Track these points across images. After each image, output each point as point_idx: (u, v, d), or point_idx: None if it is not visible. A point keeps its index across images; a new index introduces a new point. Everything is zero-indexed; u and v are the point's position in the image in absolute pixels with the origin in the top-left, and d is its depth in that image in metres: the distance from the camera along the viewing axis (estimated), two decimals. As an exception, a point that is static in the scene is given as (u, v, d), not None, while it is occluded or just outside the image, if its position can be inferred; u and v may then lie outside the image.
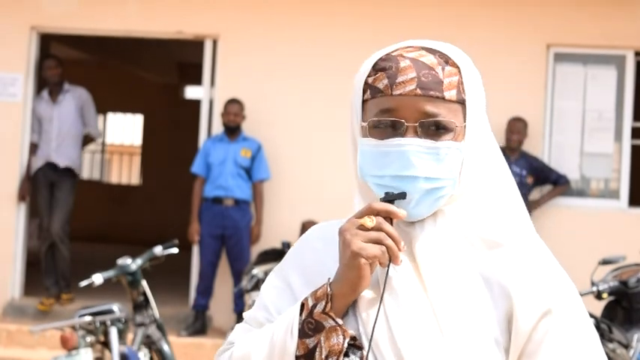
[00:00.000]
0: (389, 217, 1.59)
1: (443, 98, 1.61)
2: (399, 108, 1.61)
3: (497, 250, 1.66)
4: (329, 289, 1.60)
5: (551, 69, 8.65)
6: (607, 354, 5.22)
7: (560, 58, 8.68)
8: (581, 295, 5.44)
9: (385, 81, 1.63)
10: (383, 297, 1.59)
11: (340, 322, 1.59)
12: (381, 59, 1.66)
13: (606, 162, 8.68)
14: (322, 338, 1.59)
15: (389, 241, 1.57)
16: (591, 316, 5.37)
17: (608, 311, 5.64)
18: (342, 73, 7.75)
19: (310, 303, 1.61)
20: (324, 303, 1.60)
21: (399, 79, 1.62)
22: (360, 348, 1.59)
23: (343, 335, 1.58)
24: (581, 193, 8.70)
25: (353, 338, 1.59)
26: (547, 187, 8.55)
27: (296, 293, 1.70)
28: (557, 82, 8.67)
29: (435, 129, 1.61)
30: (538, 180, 8.41)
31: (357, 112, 1.67)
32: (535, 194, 8.51)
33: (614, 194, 8.68)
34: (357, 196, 1.73)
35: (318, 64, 8.65)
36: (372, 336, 1.57)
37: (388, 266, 1.59)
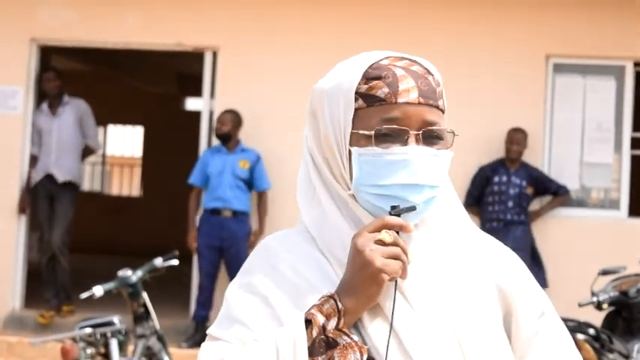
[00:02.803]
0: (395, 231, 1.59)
1: (437, 107, 1.64)
2: (403, 116, 1.61)
3: (483, 253, 1.71)
4: (339, 305, 1.57)
5: (551, 80, 8.67)
6: (607, 364, 5.22)
7: (559, 68, 8.69)
8: (582, 305, 5.48)
9: (386, 89, 1.62)
10: (394, 310, 1.58)
11: (356, 338, 1.56)
12: (370, 68, 1.65)
13: (606, 172, 8.69)
14: (336, 355, 1.55)
15: (404, 257, 1.57)
16: (592, 326, 5.38)
17: (609, 322, 5.64)
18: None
19: (320, 320, 1.56)
20: (336, 319, 1.56)
21: (401, 87, 1.62)
22: None
23: (360, 352, 1.55)
24: (581, 204, 8.70)
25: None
26: (547, 198, 8.55)
27: (277, 307, 1.63)
28: (557, 93, 8.68)
29: (434, 137, 1.63)
30: (538, 190, 8.41)
31: (347, 121, 1.65)
32: (535, 205, 8.51)
33: (614, 204, 8.68)
34: (316, 209, 1.70)
35: (318, 75, 8.62)
36: (387, 350, 1.56)
37: (396, 280, 1.58)
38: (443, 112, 1.67)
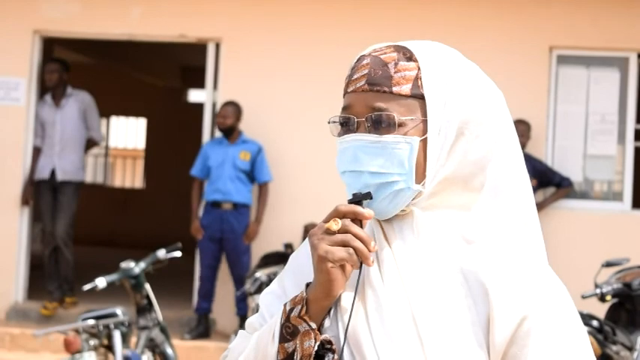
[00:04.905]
0: (358, 219, 1.58)
1: (391, 92, 1.60)
2: (352, 104, 1.63)
3: (478, 248, 1.61)
4: (305, 294, 1.60)
5: (554, 71, 8.65)
6: (611, 356, 5.22)
7: (562, 60, 8.68)
8: (585, 297, 5.46)
9: (347, 80, 1.67)
10: (355, 300, 1.58)
11: (314, 325, 1.58)
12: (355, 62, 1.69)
13: (609, 164, 8.67)
14: (298, 342, 1.58)
15: (356, 243, 1.55)
16: (595, 318, 5.37)
17: (612, 313, 5.64)
18: (344, 76, 7.74)
19: (288, 308, 1.61)
20: (299, 307, 1.59)
21: (355, 76, 1.64)
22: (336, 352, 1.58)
23: (315, 339, 1.57)
24: (584, 196, 8.69)
25: (329, 342, 1.58)
26: (550, 190, 8.54)
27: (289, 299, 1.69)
28: (560, 85, 8.66)
29: (384, 124, 1.60)
30: (541, 183, 8.40)
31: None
32: (538, 197, 8.50)
33: (618, 196, 8.67)
34: None
35: (320, 67, 8.65)
36: (345, 338, 1.57)
37: (360, 268, 1.57)
38: (422, 99, 1.61)
